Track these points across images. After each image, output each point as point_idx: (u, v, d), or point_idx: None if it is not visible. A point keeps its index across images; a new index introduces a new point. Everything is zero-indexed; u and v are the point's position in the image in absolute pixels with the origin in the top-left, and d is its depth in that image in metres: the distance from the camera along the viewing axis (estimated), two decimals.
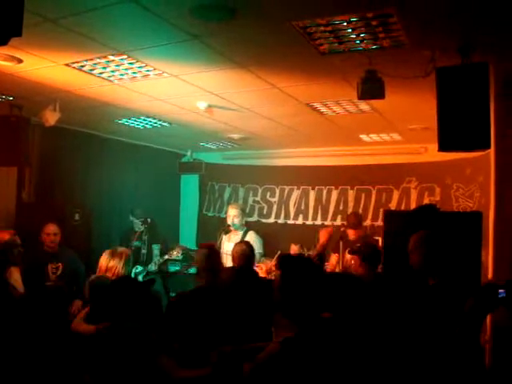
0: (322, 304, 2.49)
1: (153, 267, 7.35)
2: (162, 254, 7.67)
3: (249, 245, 5.41)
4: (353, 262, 5.33)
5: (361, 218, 7.64)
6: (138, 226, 8.09)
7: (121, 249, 5.01)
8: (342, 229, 8.02)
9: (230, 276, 4.97)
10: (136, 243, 7.99)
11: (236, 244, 5.51)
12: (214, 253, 4.50)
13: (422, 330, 3.27)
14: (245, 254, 5.16)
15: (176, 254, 7.32)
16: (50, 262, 5.90)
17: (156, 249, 7.82)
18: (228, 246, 7.05)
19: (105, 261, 4.73)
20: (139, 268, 6.93)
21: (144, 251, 7.83)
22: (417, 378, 3.19)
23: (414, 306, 3.42)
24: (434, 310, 3.31)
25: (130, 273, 5.29)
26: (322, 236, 5.06)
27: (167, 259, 7.38)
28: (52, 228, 6.08)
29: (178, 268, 7.57)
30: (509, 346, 3.87)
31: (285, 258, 2.60)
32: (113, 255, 4.77)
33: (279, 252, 6.34)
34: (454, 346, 3.06)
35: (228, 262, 5.98)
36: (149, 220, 8.03)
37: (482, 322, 3.28)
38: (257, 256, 6.24)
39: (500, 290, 2.89)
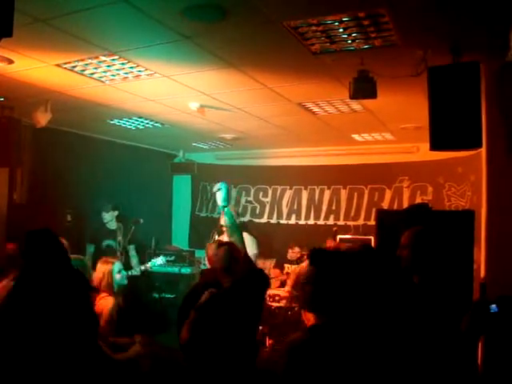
0: (353, 299, 2.48)
1: (135, 272, 6.77)
2: (138, 253, 7.42)
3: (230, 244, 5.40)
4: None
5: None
6: (112, 223, 7.76)
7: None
8: (334, 228, 8.06)
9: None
10: (108, 242, 7.66)
11: (219, 246, 5.42)
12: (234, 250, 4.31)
13: (408, 330, 3.26)
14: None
15: (160, 262, 6.79)
16: None
17: (132, 249, 7.53)
18: None
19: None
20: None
21: (119, 253, 7.39)
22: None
23: (400, 304, 3.40)
24: (419, 308, 3.30)
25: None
26: None
27: (148, 266, 6.78)
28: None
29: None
30: (500, 348, 3.87)
31: (317, 253, 2.58)
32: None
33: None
34: (440, 345, 3.06)
35: None
36: (133, 219, 7.60)
37: (478, 340, 3.27)
38: (252, 257, 6.22)
39: (492, 306, 2.88)
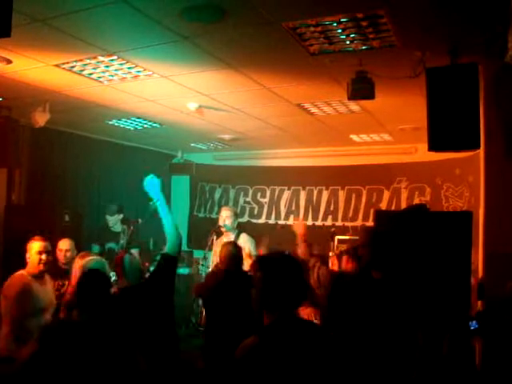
0: (300, 298, 2.55)
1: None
2: (141, 256, 7.34)
3: (235, 245, 5.38)
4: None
5: None
6: (117, 226, 7.67)
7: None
8: (332, 229, 8.05)
9: (218, 278, 4.96)
10: (110, 245, 7.53)
11: (222, 245, 5.38)
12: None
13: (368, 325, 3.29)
14: (232, 255, 5.13)
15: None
16: (56, 279, 5.50)
17: (135, 252, 7.32)
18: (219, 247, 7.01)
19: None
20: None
21: None
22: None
23: (361, 299, 3.43)
24: (378, 303, 3.32)
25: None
26: (298, 228, 5.04)
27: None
28: (63, 244, 5.48)
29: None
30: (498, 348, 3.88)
31: (264, 260, 2.64)
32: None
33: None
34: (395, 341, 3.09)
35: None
36: (132, 220, 7.46)
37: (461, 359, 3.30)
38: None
39: (471, 322, 2.90)
